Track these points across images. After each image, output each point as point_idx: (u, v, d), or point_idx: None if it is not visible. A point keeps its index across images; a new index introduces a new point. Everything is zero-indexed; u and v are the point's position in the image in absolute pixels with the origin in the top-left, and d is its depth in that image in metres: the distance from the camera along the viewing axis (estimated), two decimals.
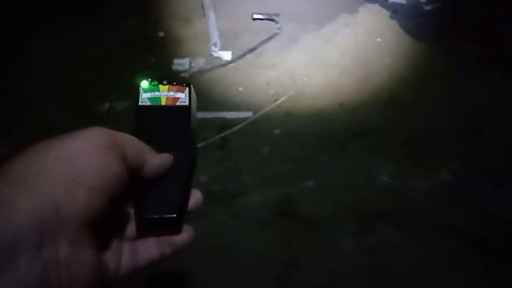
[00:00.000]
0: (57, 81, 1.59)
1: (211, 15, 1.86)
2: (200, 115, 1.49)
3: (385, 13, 1.93)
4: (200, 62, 1.70)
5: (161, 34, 1.81)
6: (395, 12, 1.93)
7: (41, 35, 1.75)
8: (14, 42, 1.72)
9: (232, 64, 1.70)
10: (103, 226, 0.34)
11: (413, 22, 1.89)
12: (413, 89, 1.63)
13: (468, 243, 1.20)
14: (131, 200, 0.40)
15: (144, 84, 0.46)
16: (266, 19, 1.86)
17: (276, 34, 1.82)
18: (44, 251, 0.29)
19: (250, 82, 1.65)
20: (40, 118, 1.44)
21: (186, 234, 0.41)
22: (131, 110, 0.70)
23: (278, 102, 1.57)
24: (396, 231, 1.23)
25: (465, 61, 1.72)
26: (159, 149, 0.41)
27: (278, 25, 1.84)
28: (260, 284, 1.12)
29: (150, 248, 0.41)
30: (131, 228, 0.41)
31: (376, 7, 1.95)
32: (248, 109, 1.54)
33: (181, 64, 1.68)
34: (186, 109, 0.46)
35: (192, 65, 1.68)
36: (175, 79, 0.49)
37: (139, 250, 0.40)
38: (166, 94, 0.46)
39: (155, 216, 0.39)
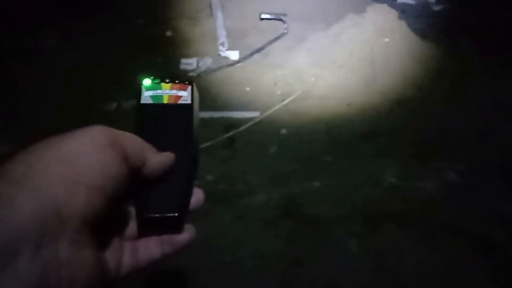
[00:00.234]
0: (64, 80, 1.60)
1: (219, 15, 1.86)
2: (207, 114, 1.49)
3: (393, 13, 1.91)
4: (207, 62, 1.70)
5: (169, 33, 1.81)
6: (404, 12, 1.92)
7: (49, 34, 1.76)
8: (21, 41, 1.73)
9: (239, 64, 1.70)
10: (103, 225, 0.34)
11: (421, 22, 1.87)
12: (421, 89, 1.62)
13: (475, 245, 1.19)
14: (132, 199, 0.40)
15: (146, 82, 0.46)
16: (273, 19, 1.86)
17: (283, 34, 1.81)
18: (44, 251, 0.29)
19: (257, 82, 1.64)
20: (47, 117, 1.45)
21: (187, 233, 0.41)
22: None
23: (285, 102, 1.57)
24: (402, 232, 1.22)
25: (474, 61, 1.71)
26: (161, 148, 0.40)
27: (285, 25, 1.83)
28: (264, 284, 1.12)
29: (151, 248, 0.40)
30: (132, 227, 0.41)
31: (384, 7, 1.94)
32: (255, 109, 1.54)
33: (188, 63, 1.69)
34: (188, 108, 0.45)
35: (200, 64, 1.69)
36: (178, 77, 0.48)
37: (140, 250, 0.40)
38: (168, 92, 0.45)
39: (157, 215, 0.39)
